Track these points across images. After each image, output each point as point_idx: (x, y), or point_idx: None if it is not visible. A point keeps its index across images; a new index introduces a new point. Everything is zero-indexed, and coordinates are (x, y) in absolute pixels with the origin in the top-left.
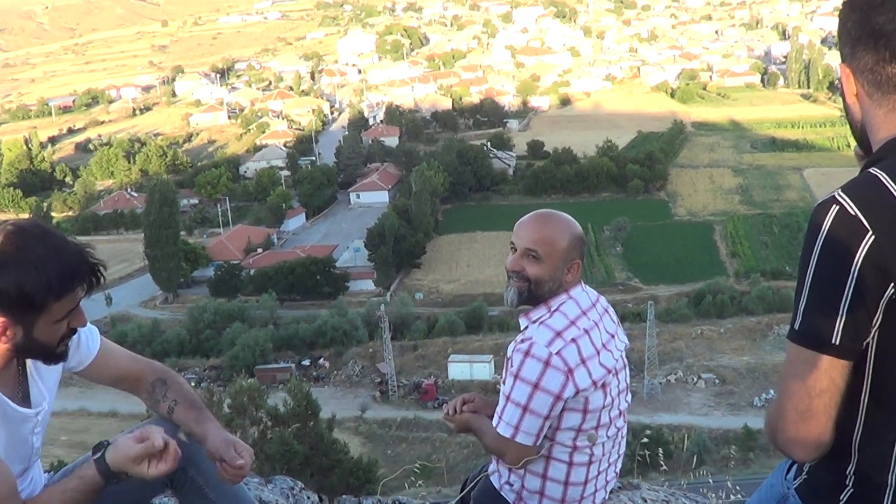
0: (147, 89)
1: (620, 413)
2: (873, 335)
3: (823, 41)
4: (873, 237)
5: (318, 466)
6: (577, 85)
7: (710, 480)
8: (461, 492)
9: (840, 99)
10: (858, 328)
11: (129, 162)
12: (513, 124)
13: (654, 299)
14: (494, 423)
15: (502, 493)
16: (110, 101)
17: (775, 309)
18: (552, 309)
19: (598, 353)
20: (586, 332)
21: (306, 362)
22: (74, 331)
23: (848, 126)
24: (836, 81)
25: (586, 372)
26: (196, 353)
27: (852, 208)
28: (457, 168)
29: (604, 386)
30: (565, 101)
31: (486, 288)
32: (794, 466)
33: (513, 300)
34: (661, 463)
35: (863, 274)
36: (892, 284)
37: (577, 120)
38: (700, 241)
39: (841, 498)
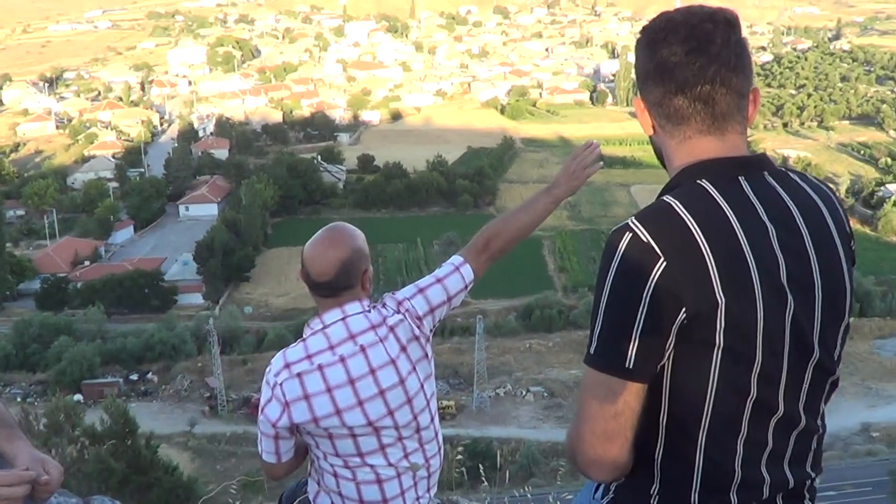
0: None
1: (401, 438)
2: (668, 357)
3: None
4: (665, 263)
5: (138, 485)
6: (408, 100)
7: (529, 494)
8: None
9: None
10: (651, 352)
11: None
12: (343, 138)
13: (483, 313)
14: None
15: None
16: None
17: None
18: (306, 335)
19: (331, 389)
20: (320, 367)
21: (134, 377)
22: None
23: None
24: None
25: (306, 407)
26: (22, 367)
27: (645, 235)
28: (287, 181)
29: (339, 415)
30: (396, 116)
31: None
32: (602, 486)
33: None
34: (483, 479)
35: (655, 299)
36: (684, 310)
37: (408, 134)
38: (529, 256)
39: None
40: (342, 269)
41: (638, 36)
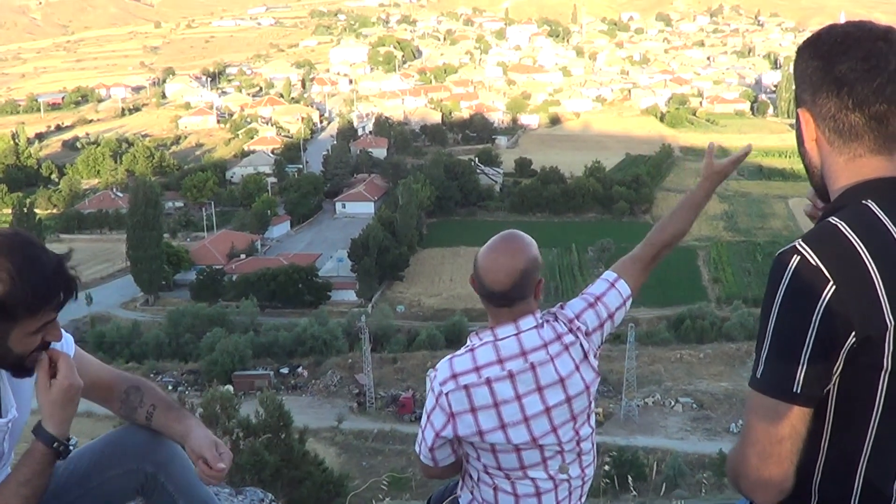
0: (137, 90)
1: (562, 451)
2: (834, 381)
3: None
4: (834, 287)
5: (289, 478)
6: (568, 104)
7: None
8: None
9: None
10: (819, 377)
11: (116, 162)
12: (501, 141)
13: (635, 321)
14: None
15: None
16: (100, 100)
17: (755, 336)
18: (475, 344)
19: (498, 405)
20: (488, 381)
21: (285, 370)
22: (48, 344)
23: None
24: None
25: (472, 420)
26: (174, 356)
27: (813, 258)
28: (443, 182)
29: (504, 430)
30: (555, 120)
31: (467, 303)
32: None
33: None
34: (631, 488)
35: (824, 324)
36: (853, 334)
37: (566, 139)
38: (683, 265)
39: None
40: (518, 280)
41: (804, 45)
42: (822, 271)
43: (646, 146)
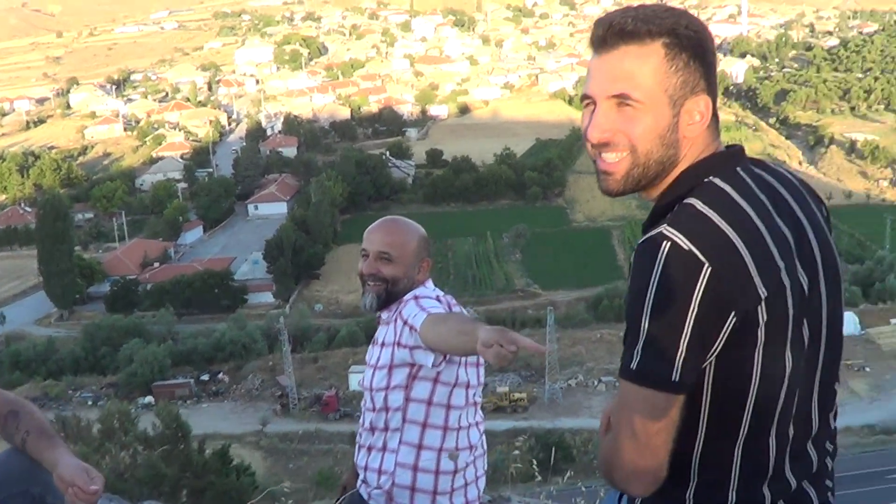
0: (41, 101)
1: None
2: (710, 362)
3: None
4: (710, 269)
5: (191, 489)
6: (476, 93)
7: (583, 488)
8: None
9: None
10: (696, 363)
11: (23, 176)
12: (412, 133)
13: (554, 305)
14: None
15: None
16: (3, 114)
17: None
18: (405, 300)
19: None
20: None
21: (205, 377)
22: None
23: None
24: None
25: None
26: (93, 370)
27: (685, 243)
28: (355, 178)
29: None
30: (464, 110)
31: None
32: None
33: (372, 304)
34: (536, 473)
35: (704, 307)
36: (733, 313)
37: (476, 128)
38: (598, 246)
39: None
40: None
41: (698, 28)
42: (697, 255)
43: (556, 130)
